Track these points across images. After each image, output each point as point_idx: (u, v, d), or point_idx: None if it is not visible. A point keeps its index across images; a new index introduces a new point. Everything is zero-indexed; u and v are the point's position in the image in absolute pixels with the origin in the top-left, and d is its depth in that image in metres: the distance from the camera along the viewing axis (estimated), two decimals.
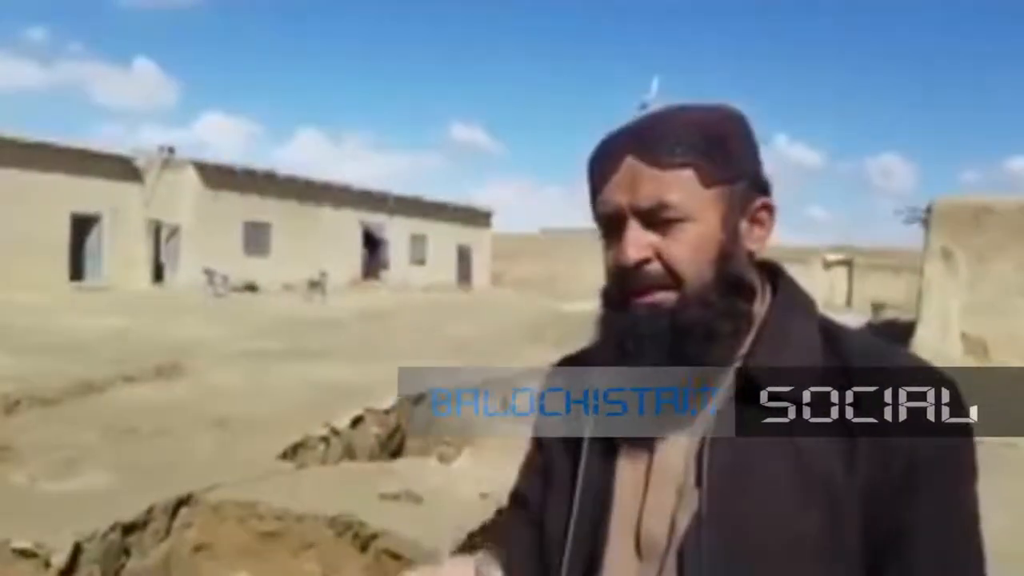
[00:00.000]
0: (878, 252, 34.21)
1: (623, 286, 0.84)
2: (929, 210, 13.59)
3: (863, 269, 34.62)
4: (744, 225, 0.85)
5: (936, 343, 12.21)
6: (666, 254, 0.82)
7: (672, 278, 0.82)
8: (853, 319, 15.72)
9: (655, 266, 0.82)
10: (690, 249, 0.82)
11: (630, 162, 0.83)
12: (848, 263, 35.54)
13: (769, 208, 0.87)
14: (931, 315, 13.07)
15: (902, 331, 13.25)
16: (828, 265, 35.33)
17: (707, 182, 0.82)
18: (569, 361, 1.04)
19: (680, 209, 0.81)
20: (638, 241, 0.82)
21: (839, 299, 33.37)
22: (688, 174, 0.81)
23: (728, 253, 0.83)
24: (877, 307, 24.41)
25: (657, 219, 0.82)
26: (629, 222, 0.83)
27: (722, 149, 0.83)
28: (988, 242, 12.84)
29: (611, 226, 0.85)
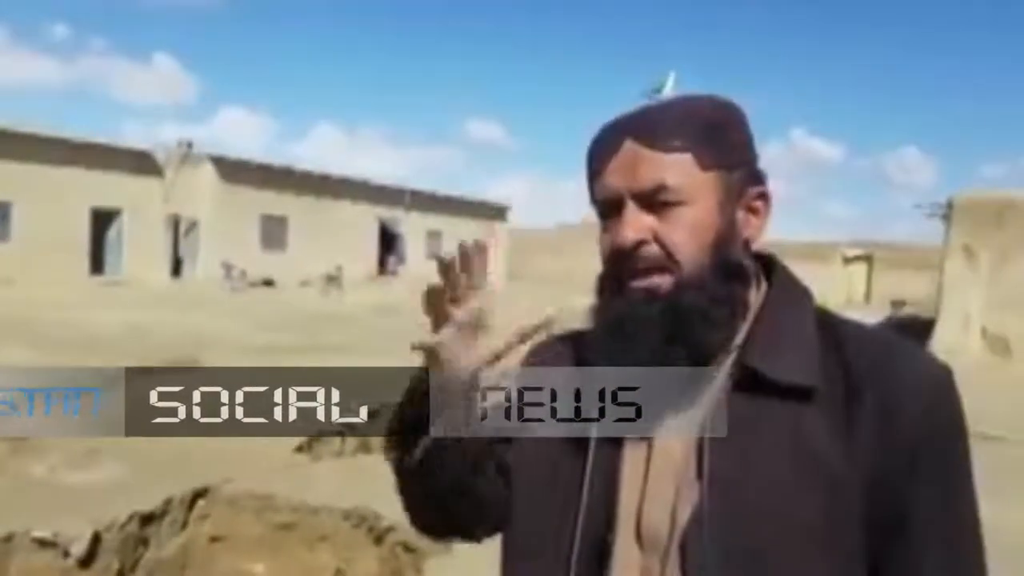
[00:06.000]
0: (898, 248, 33.84)
1: (619, 270, 0.84)
2: (950, 205, 13.41)
3: (882, 265, 34.24)
4: (741, 213, 0.85)
5: (957, 340, 12.08)
6: (663, 236, 0.82)
7: (669, 261, 0.82)
8: (870, 316, 15.58)
9: (652, 248, 0.82)
10: (687, 232, 0.82)
11: (629, 145, 0.83)
12: (867, 259, 35.17)
13: (765, 197, 0.87)
14: (952, 312, 12.92)
15: (922, 328, 13.10)
16: (847, 261, 34.99)
17: (705, 166, 0.82)
18: (556, 341, 1.01)
19: (678, 192, 0.81)
20: (636, 223, 0.82)
21: (858, 296, 33.08)
22: (687, 157, 0.82)
23: (724, 238, 0.83)
24: (897, 304, 24.12)
25: (655, 202, 0.82)
26: (627, 204, 0.83)
27: (720, 136, 0.83)
28: (1010, 238, 12.67)
29: (609, 210, 0.85)
